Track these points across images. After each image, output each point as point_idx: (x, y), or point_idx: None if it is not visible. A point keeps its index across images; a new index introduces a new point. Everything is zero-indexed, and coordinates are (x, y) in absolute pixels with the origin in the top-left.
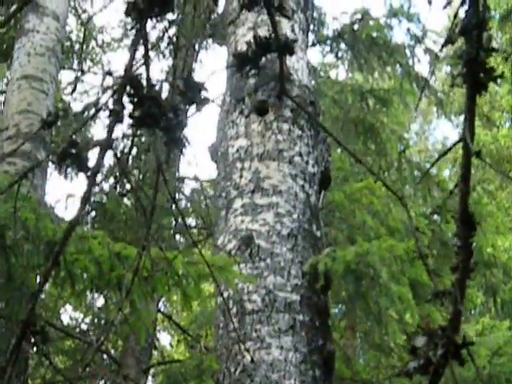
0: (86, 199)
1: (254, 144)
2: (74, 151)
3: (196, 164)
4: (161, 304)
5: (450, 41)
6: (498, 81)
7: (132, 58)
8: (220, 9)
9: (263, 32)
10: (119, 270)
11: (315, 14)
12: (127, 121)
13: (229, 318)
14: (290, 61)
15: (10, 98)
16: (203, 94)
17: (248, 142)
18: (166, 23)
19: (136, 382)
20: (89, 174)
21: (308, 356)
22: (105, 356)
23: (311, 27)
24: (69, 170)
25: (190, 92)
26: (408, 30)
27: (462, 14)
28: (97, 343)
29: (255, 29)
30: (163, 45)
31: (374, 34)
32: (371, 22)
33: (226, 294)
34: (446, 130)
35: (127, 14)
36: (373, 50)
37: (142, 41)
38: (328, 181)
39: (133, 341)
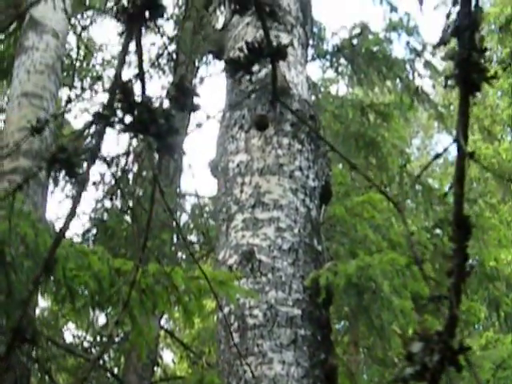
0: (75, 204)
1: (255, 159)
2: (63, 156)
3: (197, 180)
4: (163, 321)
5: (442, 42)
6: (491, 81)
7: (122, 62)
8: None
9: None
10: (119, 285)
11: (314, 29)
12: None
13: (230, 334)
14: (290, 75)
15: (9, 115)
16: (195, 99)
17: (248, 157)
18: (165, 39)
19: None
20: (78, 179)
21: (310, 371)
22: (108, 374)
23: (310, 42)
24: (58, 175)
25: (182, 97)
26: (407, 43)
27: (454, 14)
28: (97, 358)
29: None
30: (163, 61)
31: (374, 48)
32: (370, 36)
33: (227, 309)
34: (447, 145)
35: (116, 18)
36: (372, 65)
37: (136, 48)
38: (329, 195)
39: (134, 358)
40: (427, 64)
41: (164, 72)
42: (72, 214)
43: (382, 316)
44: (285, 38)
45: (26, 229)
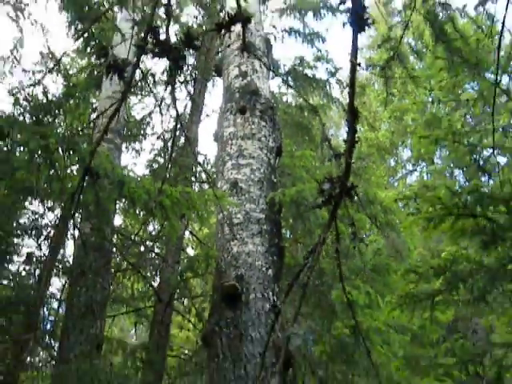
0: (121, 100)
1: (238, 130)
2: (115, 64)
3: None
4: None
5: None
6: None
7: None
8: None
9: (244, 68)
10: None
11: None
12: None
13: (224, 228)
14: (259, 83)
15: None
16: (196, 43)
17: (234, 129)
18: (189, 67)
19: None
20: (125, 79)
21: (269, 249)
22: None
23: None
24: (112, 75)
25: (188, 41)
26: (326, 68)
27: None
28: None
29: (240, 66)
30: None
31: (307, 72)
32: (305, 64)
33: (221, 215)
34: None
35: None
36: (307, 81)
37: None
38: (280, 151)
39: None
40: (338, 81)
41: (186, 87)
42: (118, 109)
43: (310, 220)
44: (256, 62)
45: None
